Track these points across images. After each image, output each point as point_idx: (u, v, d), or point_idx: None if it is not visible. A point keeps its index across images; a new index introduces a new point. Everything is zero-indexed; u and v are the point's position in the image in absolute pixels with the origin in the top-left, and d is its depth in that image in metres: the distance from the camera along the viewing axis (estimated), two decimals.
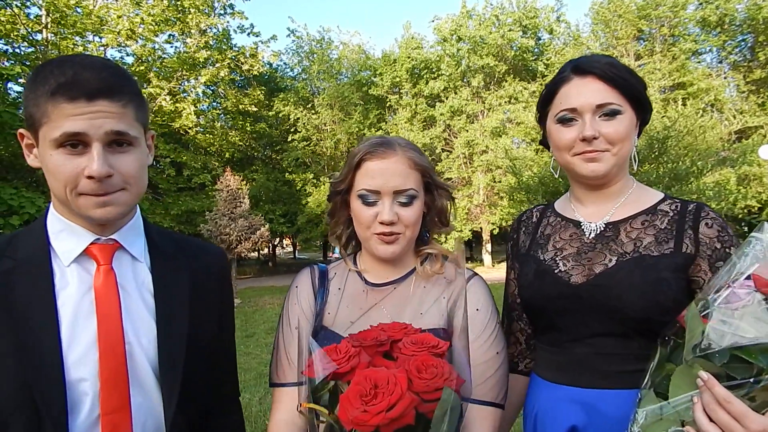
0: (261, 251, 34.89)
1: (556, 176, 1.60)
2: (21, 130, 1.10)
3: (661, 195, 1.45)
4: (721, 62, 27.65)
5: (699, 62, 27.54)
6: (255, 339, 9.61)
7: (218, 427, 1.34)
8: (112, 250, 1.14)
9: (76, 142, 1.02)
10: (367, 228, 1.32)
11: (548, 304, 1.41)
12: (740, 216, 20.44)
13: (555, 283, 1.40)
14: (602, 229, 1.42)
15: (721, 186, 15.30)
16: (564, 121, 1.38)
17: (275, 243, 34.55)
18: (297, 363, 1.25)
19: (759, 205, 21.09)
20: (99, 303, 1.08)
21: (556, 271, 1.41)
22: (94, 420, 1.04)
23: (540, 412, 1.42)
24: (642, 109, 1.40)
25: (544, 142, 1.57)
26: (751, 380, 0.94)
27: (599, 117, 1.34)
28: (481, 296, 1.36)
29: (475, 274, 1.42)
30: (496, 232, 26.15)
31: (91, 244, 1.12)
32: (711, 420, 0.96)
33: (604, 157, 1.34)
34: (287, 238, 36.32)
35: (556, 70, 1.49)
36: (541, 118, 1.53)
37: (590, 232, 1.43)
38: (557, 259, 1.43)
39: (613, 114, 1.33)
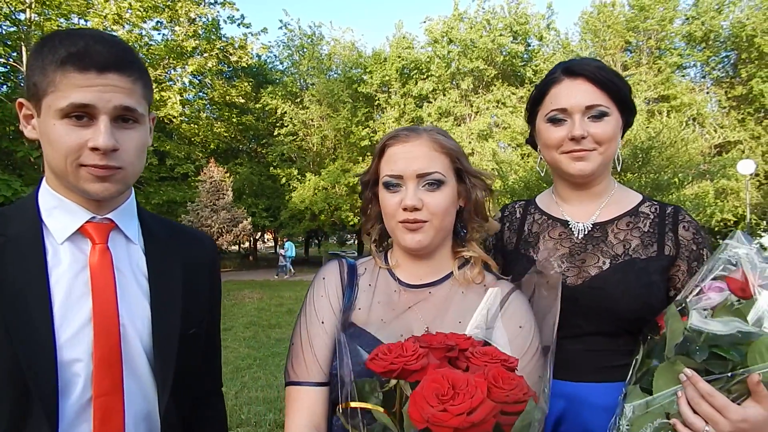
0: (242, 245, 34.62)
1: (542, 174, 1.64)
2: (21, 100, 1.06)
3: (640, 196, 1.52)
4: (704, 77, 28.27)
5: (683, 76, 28.12)
6: (233, 332, 9.52)
7: (204, 418, 1.32)
8: (107, 229, 1.11)
9: (81, 114, 0.99)
10: (392, 217, 1.22)
11: None
12: (716, 228, 20.89)
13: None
14: (590, 229, 1.47)
15: (699, 198, 15.59)
16: (554, 121, 1.42)
17: (257, 237, 34.30)
18: (323, 361, 1.19)
19: (735, 219, 21.60)
20: (95, 282, 1.04)
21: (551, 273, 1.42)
22: (86, 402, 1.01)
23: None
24: (627, 112, 1.46)
25: (531, 141, 1.60)
26: (728, 374, 1.02)
27: (588, 118, 1.38)
28: (524, 312, 1.24)
29: (516, 287, 1.30)
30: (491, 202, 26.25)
31: (87, 222, 1.08)
32: (695, 412, 1.04)
33: (591, 156, 1.39)
34: (269, 233, 36.10)
35: (544, 77, 1.52)
36: (531, 118, 1.56)
37: (578, 232, 1.47)
38: (551, 259, 1.46)
39: (601, 115, 1.38)
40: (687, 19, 26.70)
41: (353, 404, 0.90)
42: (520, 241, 1.55)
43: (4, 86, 17.76)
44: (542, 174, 1.60)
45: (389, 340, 1.13)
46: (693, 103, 25.24)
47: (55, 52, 0.98)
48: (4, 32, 18.02)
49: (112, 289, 1.06)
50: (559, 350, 1.36)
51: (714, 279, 1.12)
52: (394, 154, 1.23)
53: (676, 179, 12.01)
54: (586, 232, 1.46)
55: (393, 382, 0.88)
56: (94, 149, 0.99)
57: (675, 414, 1.07)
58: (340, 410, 0.94)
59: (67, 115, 0.98)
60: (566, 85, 1.41)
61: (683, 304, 1.13)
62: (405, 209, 1.19)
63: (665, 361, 1.10)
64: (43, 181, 1.12)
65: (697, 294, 1.12)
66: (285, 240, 28.49)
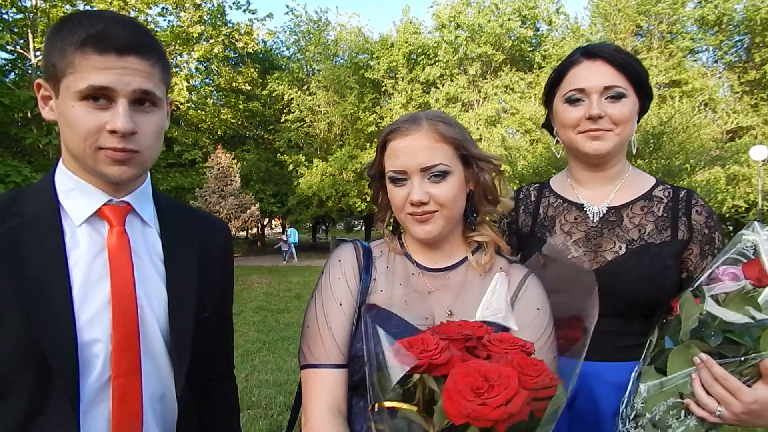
0: (250, 230, 34.78)
1: (558, 156, 1.65)
2: (39, 81, 1.06)
3: (654, 180, 1.55)
4: (716, 62, 27.78)
5: (695, 60, 27.64)
6: (242, 317, 9.60)
7: (217, 400, 1.33)
8: (124, 212, 1.11)
9: (100, 96, 0.98)
10: (401, 210, 1.23)
11: None
12: (727, 215, 20.69)
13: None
14: (604, 212, 1.49)
15: (711, 185, 15.44)
16: (572, 101, 1.45)
17: (264, 223, 34.44)
18: (342, 343, 1.19)
19: (746, 206, 21.36)
20: (113, 264, 1.05)
21: (568, 257, 1.46)
22: (105, 382, 1.02)
23: None
24: (644, 96, 1.48)
25: (547, 125, 1.62)
26: (741, 359, 1.08)
27: (605, 98, 1.41)
28: (540, 295, 1.25)
29: (530, 272, 1.31)
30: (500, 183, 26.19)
31: (104, 205, 1.08)
32: (708, 393, 1.10)
33: (607, 137, 1.41)
34: (276, 219, 36.22)
35: (553, 62, 1.58)
36: (548, 100, 1.58)
37: (594, 215, 1.50)
38: (568, 244, 1.48)
39: (618, 96, 1.40)
40: (699, 2, 26.16)
41: (388, 404, 0.88)
42: (535, 225, 1.57)
43: (12, 73, 17.77)
44: (558, 156, 1.61)
45: (415, 321, 1.17)
46: (705, 88, 24.84)
47: (74, 33, 0.98)
48: (10, 19, 18.00)
49: (129, 272, 1.06)
50: None
51: (729, 265, 1.17)
52: (396, 149, 1.21)
53: (688, 165, 11.88)
54: (601, 216, 1.49)
55: (416, 377, 0.88)
56: (113, 132, 0.99)
57: (689, 394, 1.12)
58: (370, 409, 0.93)
59: (86, 97, 0.98)
60: (585, 67, 1.43)
61: (698, 289, 1.17)
62: (412, 204, 1.19)
63: (680, 344, 1.15)
64: (60, 163, 1.11)
65: (713, 280, 1.16)
66: (288, 226, 29.01)
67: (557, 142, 1.57)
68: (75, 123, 0.99)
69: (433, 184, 1.19)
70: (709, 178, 16.89)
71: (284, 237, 26.18)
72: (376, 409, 0.92)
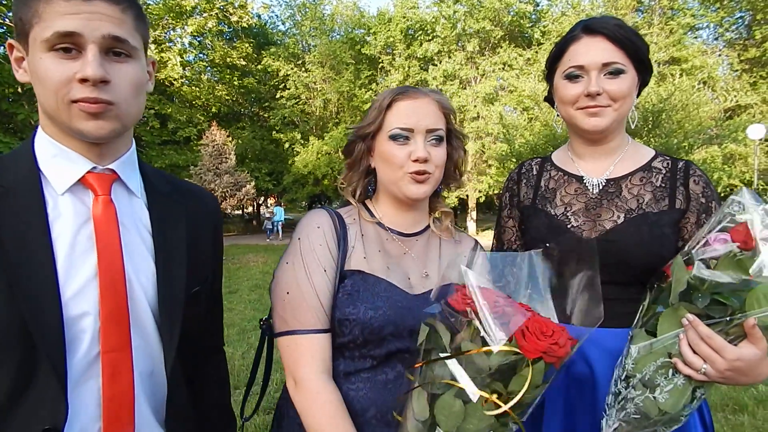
0: (245, 209, 34.69)
1: (559, 132, 1.70)
2: (10, 41, 1.01)
3: (653, 152, 1.58)
4: (716, 39, 27.52)
5: (695, 38, 27.37)
6: (238, 295, 9.64)
7: (208, 376, 1.31)
8: (109, 180, 1.05)
9: (69, 47, 0.94)
10: (400, 168, 1.29)
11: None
12: (723, 194, 20.73)
13: (569, 238, 1.49)
14: (604, 184, 1.53)
15: (707, 163, 15.41)
16: (571, 78, 1.47)
17: (260, 202, 34.40)
18: (327, 308, 1.23)
19: (742, 185, 21.32)
20: (99, 235, 1.00)
21: (569, 227, 1.52)
22: (93, 358, 0.98)
23: None
24: (644, 70, 1.49)
25: (549, 99, 1.66)
26: (727, 318, 1.12)
27: (604, 75, 1.43)
28: (487, 267, 1.31)
29: (476, 241, 1.50)
30: (482, 200, 26.24)
31: (88, 172, 1.03)
32: (695, 352, 1.14)
33: (606, 112, 1.44)
34: (272, 198, 36.13)
35: (553, 38, 1.57)
36: (549, 75, 1.61)
37: (593, 187, 1.54)
38: (568, 214, 1.53)
39: (617, 73, 1.42)
40: None
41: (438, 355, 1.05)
42: (536, 197, 1.62)
43: (1, 47, 17.47)
44: (559, 131, 1.63)
45: (400, 283, 1.29)
46: (705, 66, 24.64)
47: None
48: None
49: (117, 243, 1.01)
50: None
51: (719, 231, 1.20)
52: (406, 107, 1.30)
53: (686, 143, 11.84)
54: (600, 188, 1.53)
55: (470, 323, 1.05)
56: (83, 80, 0.94)
57: (677, 354, 1.17)
58: (414, 368, 1.09)
59: (54, 47, 0.93)
60: (585, 43, 1.45)
61: (689, 255, 1.20)
62: (416, 161, 1.27)
63: (669, 307, 1.20)
64: (39, 129, 1.06)
65: (703, 245, 1.19)
66: (274, 204, 29.71)
67: (558, 116, 1.61)
68: (44, 76, 0.94)
69: (433, 147, 1.31)
70: (705, 157, 16.86)
71: (267, 214, 27.42)
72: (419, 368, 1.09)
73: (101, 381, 0.98)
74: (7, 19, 15.83)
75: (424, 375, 1.09)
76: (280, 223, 26.29)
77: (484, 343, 1.01)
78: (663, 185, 1.49)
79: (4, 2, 15.73)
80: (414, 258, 1.36)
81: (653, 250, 1.41)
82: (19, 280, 0.91)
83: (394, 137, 1.29)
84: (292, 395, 1.22)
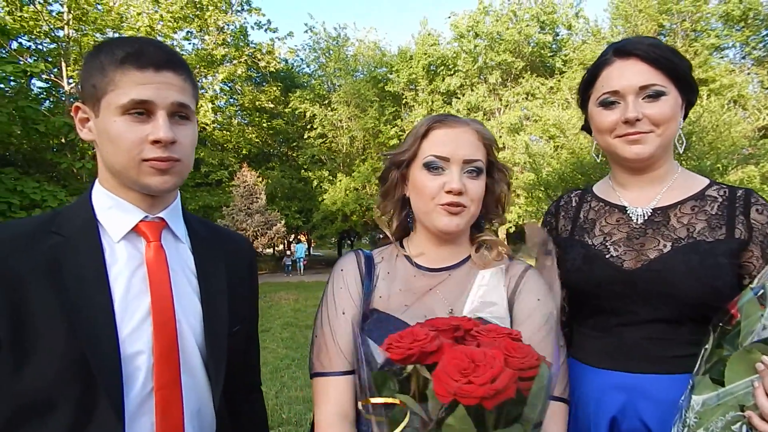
0: (276, 247, 35.12)
1: (598, 161, 1.59)
2: (77, 104, 1.12)
3: (707, 181, 1.42)
4: (744, 58, 27.05)
5: (722, 57, 26.96)
6: (271, 334, 9.64)
7: (249, 413, 1.35)
8: (159, 227, 1.15)
9: (141, 111, 1.04)
10: (431, 199, 1.24)
11: (598, 289, 1.37)
12: None
13: (606, 268, 1.37)
14: (650, 214, 1.39)
15: (745, 184, 14.94)
16: (606, 104, 1.37)
17: (290, 239, 34.80)
18: (346, 350, 1.23)
19: None
20: (152, 278, 1.09)
21: (607, 256, 1.38)
22: (147, 394, 1.05)
23: (583, 398, 1.37)
24: (688, 89, 1.38)
25: (586, 128, 1.55)
26: None
27: (643, 99, 1.32)
28: (541, 286, 1.27)
29: (530, 265, 1.35)
30: (512, 230, 25.91)
31: (141, 221, 1.13)
32: None
33: (648, 139, 1.32)
34: (302, 235, 36.51)
35: (575, 66, 1.52)
36: (583, 103, 1.51)
37: (637, 218, 1.40)
38: (607, 244, 1.41)
39: (657, 95, 1.31)
40: None
41: (373, 400, 0.90)
42: (575, 228, 1.51)
43: (47, 101, 18.48)
44: (598, 160, 1.55)
45: (413, 321, 1.16)
46: (733, 84, 24.17)
47: (112, 53, 1.05)
48: (44, 49, 18.78)
49: (167, 286, 1.10)
50: (617, 338, 1.36)
51: None
52: (444, 135, 1.25)
53: (719, 165, 11.54)
54: (645, 217, 1.39)
55: (410, 368, 0.89)
56: (156, 142, 1.04)
57: (751, 406, 1.00)
58: (361, 405, 0.94)
59: (127, 111, 1.04)
60: (618, 66, 1.36)
61: (761, 290, 1.05)
62: (449, 192, 1.21)
63: (739, 350, 1.04)
64: (96, 183, 1.16)
65: None
66: (296, 242, 31.42)
67: (596, 145, 1.50)
68: (118, 137, 1.04)
69: (469, 178, 1.24)
70: (742, 177, 16.35)
71: (288, 252, 29.41)
72: (369, 405, 0.93)
73: (154, 417, 1.05)
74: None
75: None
76: (302, 259, 27.34)
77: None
78: (719, 213, 1.33)
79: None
80: (440, 294, 1.28)
81: (705, 281, 1.25)
82: (80, 321, 0.99)
83: (428, 166, 1.24)
84: None
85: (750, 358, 1.01)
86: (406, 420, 0.87)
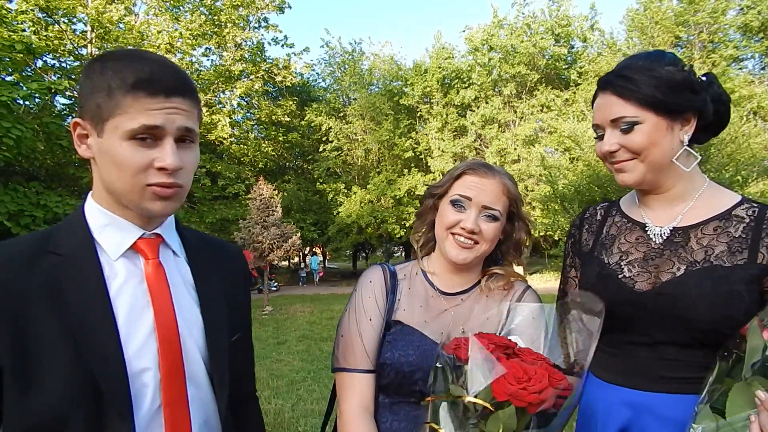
0: (292, 260, 35.23)
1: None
2: (77, 119, 1.09)
3: (738, 197, 1.36)
4: (763, 68, 26.72)
5: (740, 69, 26.65)
6: (287, 346, 9.68)
7: (248, 422, 1.35)
8: (156, 244, 1.15)
9: (148, 136, 1.03)
10: (448, 229, 1.45)
11: (610, 308, 1.35)
12: None
13: (618, 289, 1.36)
14: (668, 234, 1.37)
15: (766, 197, 14.67)
16: (598, 136, 1.42)
17: (305, 252, 34.93)
18: (371, 352, 1.42)
19: None
20: (153, 295, 1.09)
21: (620, 277, 1.38)
22: (156, 410, 1.05)
23: (592, 410, 1.40)
24: (674, 108, 1.30)
25: None
26: None
27: (620, 130, 1.33)
28: (537, 305, 1.38)
29: (529, 286, 1.55)
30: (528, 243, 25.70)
31: (138, 239, 1.13)
32: None
33: (630, 167, 1.34)
34: (318, 248, 36.61)
35: (590, 79, 1.55)
36: None
37: (656, 237, 1.39)
38: (622, 263, 1.40)
39: (630, 126, 1.31)
40: (741, 9, 25.37)
41: (469, 398, 1.07)
42: (596, 243, 1.51)
43: (70, 117, 18.97)
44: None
45: (433, 336, 1.41)
46: (753, 96, 23.84)
47: (121, 75, 1.02)
48: (68, 67, 19.33)
49: (169, 301, 1.10)
50: (628, 356, 1.37)
51: None
52: (472, 181, 1.45)
53: (739, 177, 11.37)
54: (665, 237, 1.37)
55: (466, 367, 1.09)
56: (162, 169, 1.03)
57: None
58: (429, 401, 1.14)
59: (135, 136, 1.02)
60: (598, 99, 1.39)
61: (765, 318, 1.04)
62: (463, 228, 1.41)
63: (742, 381, 1.02)
64: (89, 199, 1.14)
65: None
66: (311, 255, 33.43)
67: None
68: (124, 161, 1.02)
69: (484, 221, 1.43)
70: (763, 189, 16.07)
71: (303, 265, 32.30)
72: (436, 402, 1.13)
73: None
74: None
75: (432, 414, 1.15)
76: (317, 271, 28.91)
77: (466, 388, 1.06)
78: (743, 236, 1.27)
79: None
80: (457, 315, 1.44)
81: (718, 309, 1.21)
82: (86, 341, 0.99)
83: (453, 202, 1.45)
84: (337, 423, 1.44)
85: (751, 391, 0.99)
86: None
